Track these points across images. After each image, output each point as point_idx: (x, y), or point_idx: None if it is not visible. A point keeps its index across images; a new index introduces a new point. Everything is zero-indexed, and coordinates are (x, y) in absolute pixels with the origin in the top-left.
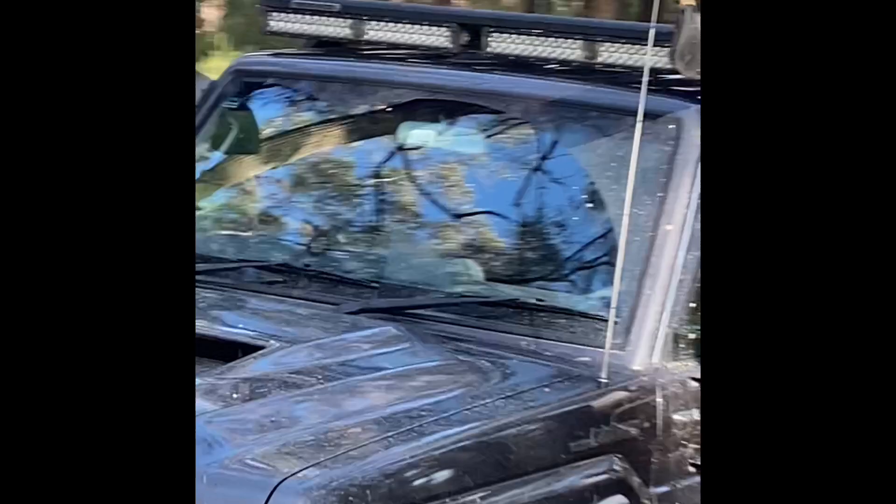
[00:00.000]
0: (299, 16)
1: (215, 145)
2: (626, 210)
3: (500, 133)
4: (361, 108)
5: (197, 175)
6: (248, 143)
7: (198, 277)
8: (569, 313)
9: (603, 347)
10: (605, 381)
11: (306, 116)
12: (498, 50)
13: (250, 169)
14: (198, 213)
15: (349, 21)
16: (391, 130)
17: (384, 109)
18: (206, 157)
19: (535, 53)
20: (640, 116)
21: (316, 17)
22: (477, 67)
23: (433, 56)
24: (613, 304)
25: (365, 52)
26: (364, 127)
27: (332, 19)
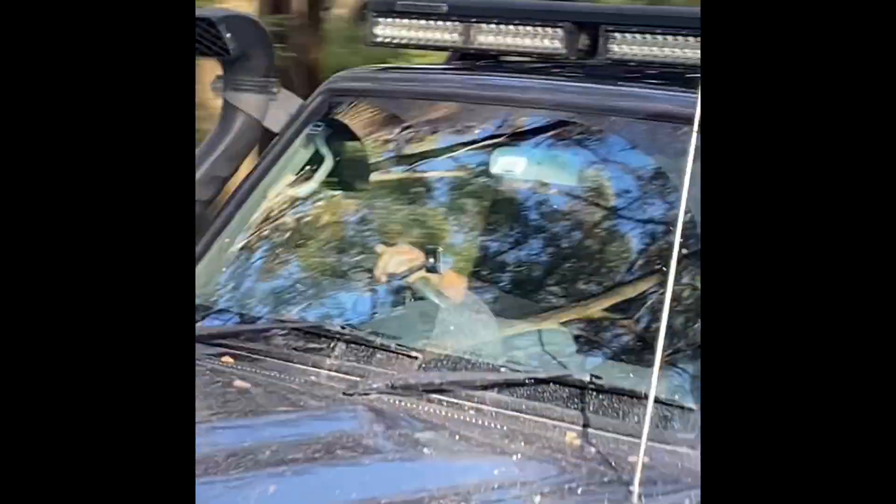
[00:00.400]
0: (405, 20)
1: (306, 177)
2: (676, 245)
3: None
4: (469, 131)
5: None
6: (344, 175)
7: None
8: (631, 396)
9: (671, 443)
10: (637, 491)
11: (409, 143)
12: (619, 54)
13: (340, 205)
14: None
15: (458, 25)
16: (484, 158)
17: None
18: (292, 193)
19: (661, 58)
20: (695, 126)
21: (423, 21)
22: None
23: (549, 64)
24: (654, 379)
25: (478, 66)
26: (461, 153)
27: (439, 23)
